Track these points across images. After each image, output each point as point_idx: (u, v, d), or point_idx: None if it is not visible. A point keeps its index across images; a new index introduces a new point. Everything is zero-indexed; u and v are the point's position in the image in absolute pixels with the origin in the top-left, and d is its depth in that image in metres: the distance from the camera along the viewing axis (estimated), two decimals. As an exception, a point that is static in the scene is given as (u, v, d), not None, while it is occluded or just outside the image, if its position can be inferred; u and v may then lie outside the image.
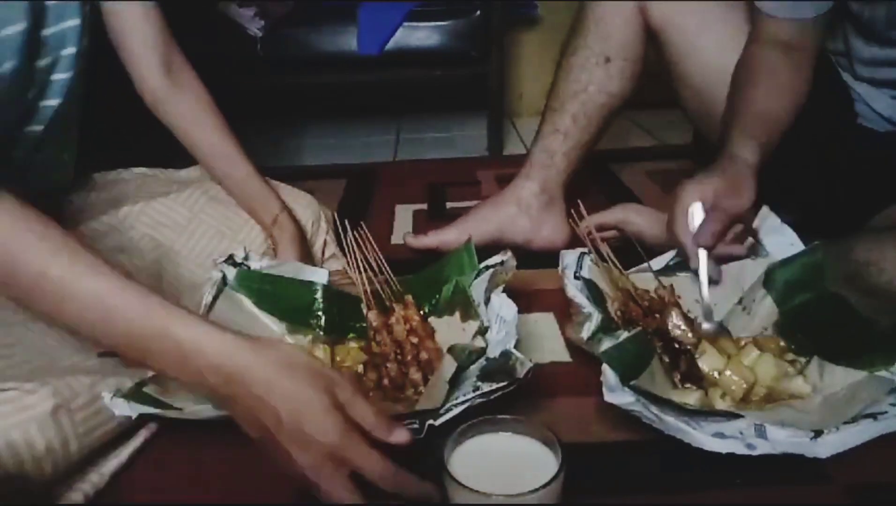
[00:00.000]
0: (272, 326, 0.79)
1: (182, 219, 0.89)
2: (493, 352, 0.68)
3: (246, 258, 0.80)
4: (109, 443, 0.63)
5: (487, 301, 0.75)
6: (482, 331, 0.72)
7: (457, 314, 0.76)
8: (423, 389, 0.69)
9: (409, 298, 0.79)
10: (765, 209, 0.84)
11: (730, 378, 0.68)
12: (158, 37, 0.87)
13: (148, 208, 0.89)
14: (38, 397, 0.56)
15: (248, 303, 0.79)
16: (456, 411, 0.61)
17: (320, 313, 0.81)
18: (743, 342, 0.74)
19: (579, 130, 1.03)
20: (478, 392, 0.62)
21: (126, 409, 0.60)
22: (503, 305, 0.72)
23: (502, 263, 0.77)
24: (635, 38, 1.00)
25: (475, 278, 0.77)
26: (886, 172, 0.87)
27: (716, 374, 0.69)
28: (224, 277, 0.78)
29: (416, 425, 0.59)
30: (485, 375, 0.64)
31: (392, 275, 0.85)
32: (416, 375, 0.71)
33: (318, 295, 0.81)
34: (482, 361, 0.68)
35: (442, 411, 0.61)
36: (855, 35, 0.88)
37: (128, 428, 0.64)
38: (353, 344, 0.78)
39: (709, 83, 0.97)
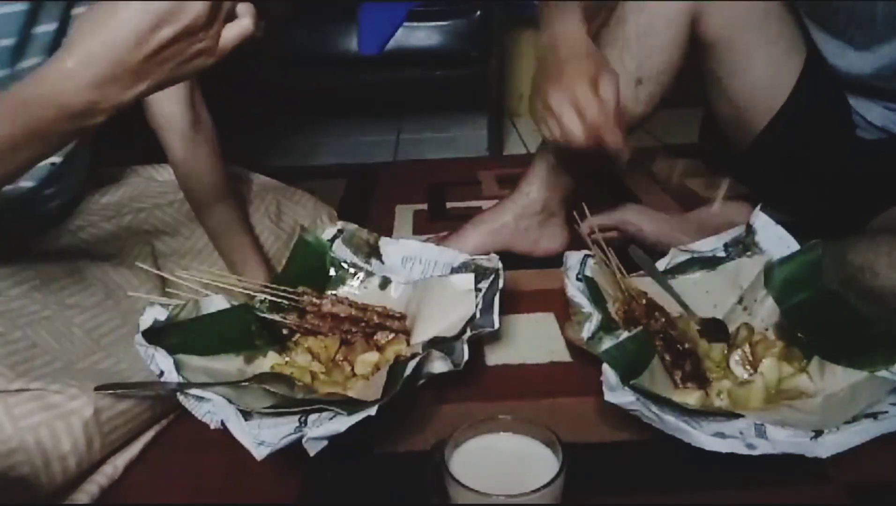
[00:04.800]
0: (226, 365, 0.71)
1: (184, 229, 0.90)
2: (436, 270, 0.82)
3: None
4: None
5: (368, 262, 0.86)
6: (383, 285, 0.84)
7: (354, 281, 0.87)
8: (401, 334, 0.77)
9: (306, 289, 0.79)
10: (756, 210, 0.83)
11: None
12: (187, 96, 0.81)
13: (149, 217, 0.89)
14: (63, 397, 0.57)
15: (191, 359, 0.68)
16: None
17: (262, 329, 0.76)
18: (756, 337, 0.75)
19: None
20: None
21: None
22: (396, 248, 0.85)
23: (340, 231, 0.88)
24: (676, 62, 0.91)
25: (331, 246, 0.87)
26: (881, 178, 0.86)
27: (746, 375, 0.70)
28: (155, 360, 0.65)
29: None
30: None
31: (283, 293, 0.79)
32: (393, 322, 0.78)
33: (249, 315, 0.76)
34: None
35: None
36: (845, 47, 0.85)
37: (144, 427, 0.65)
38: (311, 338, 0.78)
39: (753, 100, 0.93)
